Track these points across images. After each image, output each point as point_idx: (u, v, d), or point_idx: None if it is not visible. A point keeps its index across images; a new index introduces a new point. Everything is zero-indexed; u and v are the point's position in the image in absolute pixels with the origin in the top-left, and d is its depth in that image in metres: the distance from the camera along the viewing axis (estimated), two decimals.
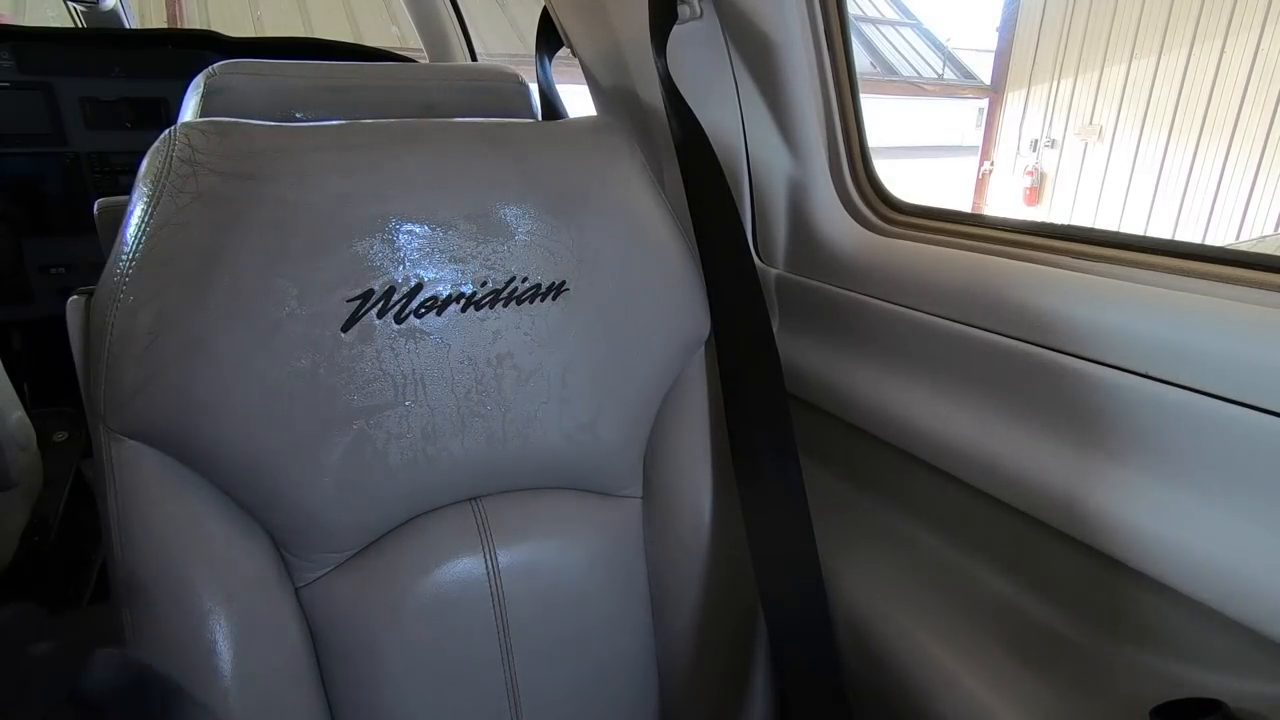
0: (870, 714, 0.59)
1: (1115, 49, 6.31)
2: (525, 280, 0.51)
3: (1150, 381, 0.40)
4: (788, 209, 0.68)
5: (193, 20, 5.50)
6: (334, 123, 0.51)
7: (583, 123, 0.58)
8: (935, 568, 0.59)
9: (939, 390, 0.54)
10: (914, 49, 8.54)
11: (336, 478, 0.47)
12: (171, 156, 0.43)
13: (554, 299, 0.52)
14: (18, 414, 1.05)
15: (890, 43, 8.48)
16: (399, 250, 0.47)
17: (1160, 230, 5.94)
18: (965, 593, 0.56)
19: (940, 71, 8.37)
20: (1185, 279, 0.43)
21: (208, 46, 1.42)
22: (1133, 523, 0.41)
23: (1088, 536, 0.43)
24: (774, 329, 0.68)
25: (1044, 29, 6.97)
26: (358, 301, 0.46)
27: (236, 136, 0.45)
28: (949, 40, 8.62)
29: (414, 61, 1.45)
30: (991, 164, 7.65)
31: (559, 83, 0.80)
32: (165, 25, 5.01)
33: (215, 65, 0.55)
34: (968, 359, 0.51)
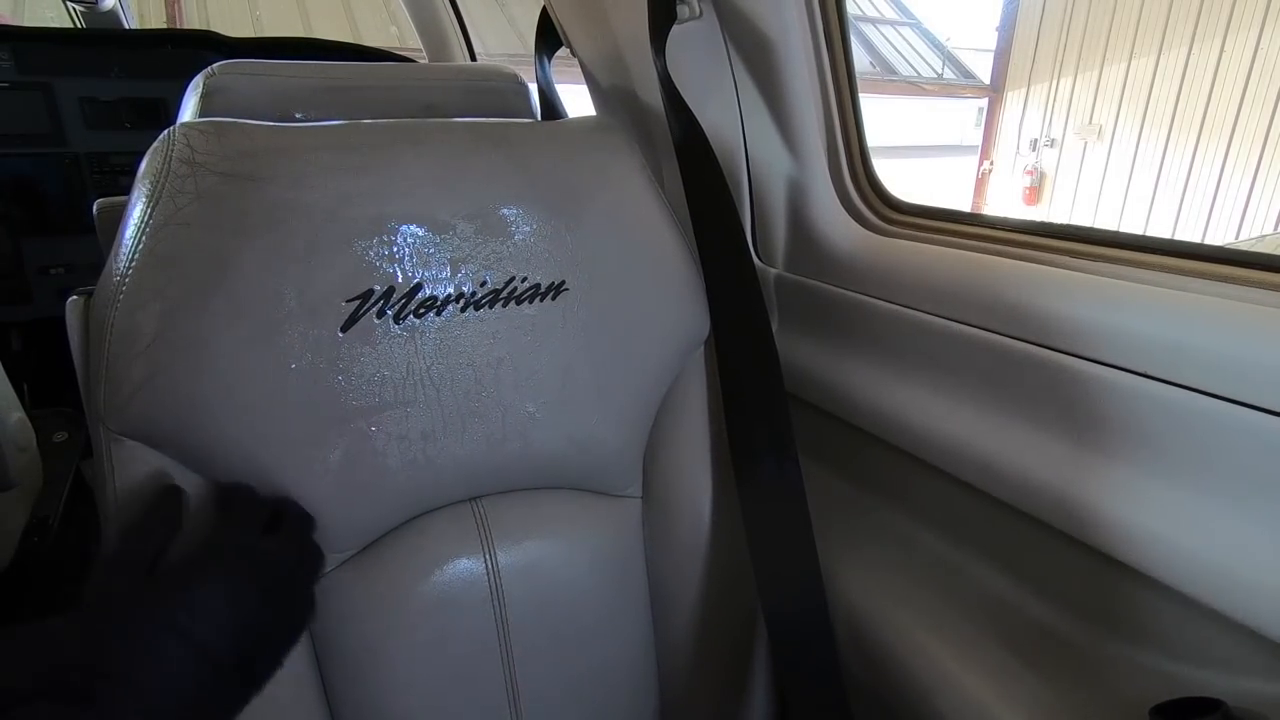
0: (870, 713, 0.59)
1: (1115, 48, 6.31)
2: (524, 280, 0.51)
3: (1150, 381, 0.40)
4: (787, 209, 0.68)
5: (192, 20, 5.50)
6: (334, 123, 0.51)
7: (582, 123, 0.58)
8: (935, 567, 0.58)
9: (938, 389, 0.54)
10: (913, 48, 8.54)
11: (336, 478, 0.47)
12: (171, 157, 0.43)
13: (553, 299, 0.52)
14: (17, 414, 1.05)
15: (890, 42, 8.48)
16: (398, 250, 0.47)
17: (1160, 229, 5.94)
18: (965, 592, 0.56)
19: (940, 71, 8.37)
20: (1185, 278, 0.43)
21: (207, 46, 1.42)
22: (1132, 522, 0.41)
23: (1087, 536, 0.43)
24: (773, 329, 0.68)
25: (1043, 28, 6.97)
26: (357, 302, 0.46)
27: (236, 136, 0.45)
28: (948, 40, 8.62)
29: (413, 61, 1.45)
30: (991, 163, 7.65)
31: (559, 83, 0.80)
32: (164, 25, 5.01)
33: (214, 65, 0.55)
34: (967, 358, 0.51)
